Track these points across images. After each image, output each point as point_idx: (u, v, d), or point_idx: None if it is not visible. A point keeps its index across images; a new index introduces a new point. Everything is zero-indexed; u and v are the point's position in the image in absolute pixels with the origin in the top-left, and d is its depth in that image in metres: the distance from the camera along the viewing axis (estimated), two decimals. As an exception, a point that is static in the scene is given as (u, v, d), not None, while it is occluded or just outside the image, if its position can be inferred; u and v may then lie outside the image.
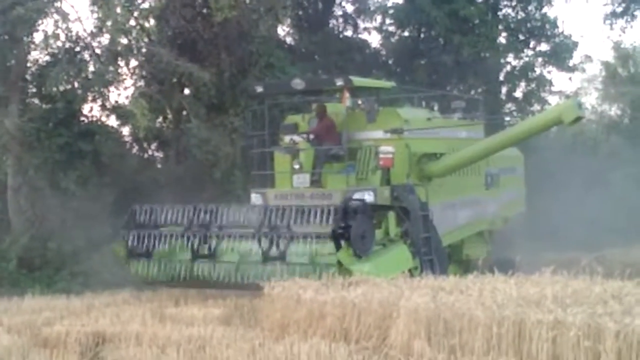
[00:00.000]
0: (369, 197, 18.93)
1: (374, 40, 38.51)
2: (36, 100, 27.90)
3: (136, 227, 19.37)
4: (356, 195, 18.47)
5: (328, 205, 17.82)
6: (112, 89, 28.14)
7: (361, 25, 38.72)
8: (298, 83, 20.39)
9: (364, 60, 36.58)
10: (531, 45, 38.47)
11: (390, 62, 38.64)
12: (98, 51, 27.11)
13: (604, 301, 12.31)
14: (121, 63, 28.11)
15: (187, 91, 29.43)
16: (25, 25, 25.23)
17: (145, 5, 28.10)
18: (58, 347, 14.75)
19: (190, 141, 28.13)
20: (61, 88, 26.55)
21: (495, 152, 21.51)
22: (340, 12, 37.98)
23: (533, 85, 38.33)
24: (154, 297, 19.20)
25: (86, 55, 27.10)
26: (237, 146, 27.66)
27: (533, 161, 29.23)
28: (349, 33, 38.27)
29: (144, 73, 28.88)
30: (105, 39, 27.10)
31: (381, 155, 19.43)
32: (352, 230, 17.26)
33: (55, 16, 25.96)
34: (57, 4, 26.02)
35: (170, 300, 18.56)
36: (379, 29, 39.32)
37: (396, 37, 39.16)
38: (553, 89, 40.06)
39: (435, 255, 19.60)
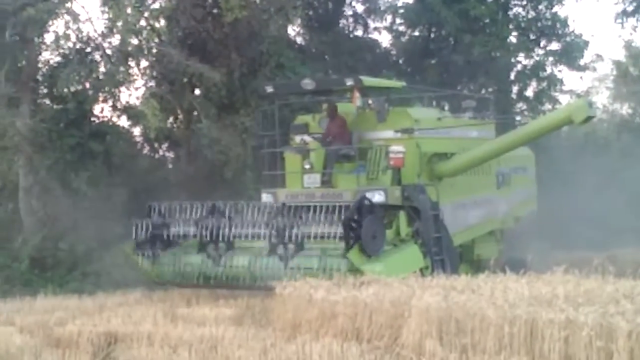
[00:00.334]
0: (379, 197, 18.92)
1: (385, 40, 38.63)
2: (47, 101, 28.01)
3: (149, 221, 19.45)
4: (367, 195, 18.45)
5: (339, 205, 17.81)
6: (123, 89, 28.31)
7: (371, 25, 38.69)
8: (308, 83, 20.39)
9: (375, 60, 36.52)
10: (542, 44, 38.35)
11: (400, 61, 38.61)
12: (109, 52, 27.21)
13: (616, 300, 12.28)
14: (132, 63, 28.24)
15: (197, 91, 29.50)
16: (36, 26, 25.34)
17: (156, 5, 28.23)
18: (70, 347, 14.77)
19: (201, 141, 28.19)
20: (72, 89, 26.68)
21: (506, 151, 21.47)
22: (350, 12, 37.95)
23: (544, 85, 38.21)
24: (166, 297, 19.22)
25: (97, 56, 27.20)
26: (247, 146, 27.70)
27: (544, 160, 29.17)
28: (359, 33, 38.24)
29: (154, 73, 28.97)
30: (116, 39, 27.24)
31: (392, 155, 19.40)
32: (363, 230, 17.26)
33: (66, 17, 26.09)
34: (68, 5, 26.14)
35: (182, 300, 18.59)
36: (389, 29, 39.29)
37: (406, 37, 39.12)
38: (564, 88, 40.01)
39: (447, 255, 19.56)
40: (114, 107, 28.59)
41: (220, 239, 18.74)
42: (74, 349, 14.65)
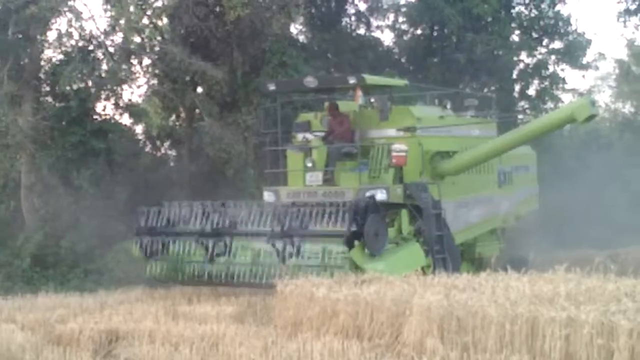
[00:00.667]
0: (381, 195, 18.91)
1: (387, 38, 38.63)
2: (50, 99, 28.01)
3: (149, 230, 19.45)
4: (369, 194, 18.43)
5: (341, 204, 17.81)
6: (125, 87, 28.37)
7: (374, 23, 38.71)
8: (310, 81, 20.37)
9: (377, 58, 36.56)
10: (544, 43, 38.39)
11: (403, 60, 38.63)
12: (111, 50, 27.25)
13: (617, 299, 12.28)
14: (134, 61, 28.30)
15: (200, 89, 29.50)
16: (39, 24, 25.35)
17: (158, 3, 28.26)
18: (71, 345, 14.76)
19: (203, 139, 28.18)
20: (74, 86, 26.71)
21: (508, 150, 21.46)
22: (353, 10, 37.96)
23: (546, 83, 38.23)
24: (167, 295, 19.23)
25: (99, 54, 27.24)
26: (249, 144, 27.72)
27: (547, 159, 29.18)
28: (361, 31, 38.25)
29: (157, 71, 28.99)
30: (118, 37, 27.29)
31: (394, 154, 19.37)
32: (365, 229, 17.26)
33: (69, 15, 26.11)
34: (71, 3, 26.25)
35: (183, 298, 18.59)
36: (392, 27, 39.30)
37: (409, 35, 39.12)
38: (566, 86, 39.99)
39: (448, 254, 19.54)
40: (116, 105, 28.62)
41: (222, 237, 18.74)
42: (75, 347, 14.64)
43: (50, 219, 25.76)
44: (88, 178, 26.17)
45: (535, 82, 38.46)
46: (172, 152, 32.38)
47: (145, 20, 27.64)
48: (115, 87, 27.70)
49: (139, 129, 31.48)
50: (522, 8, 38.54)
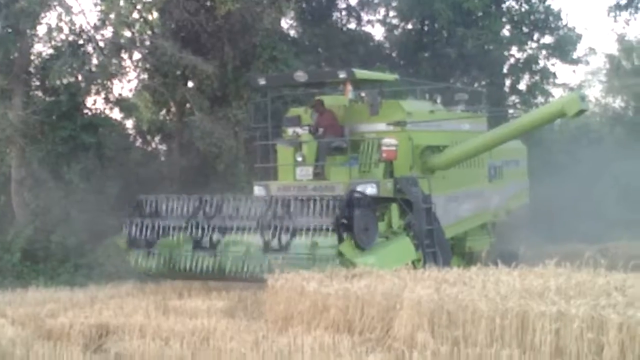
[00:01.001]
0: (372, 189, 18.93)
1: (378, 33, 38.63)
2: (40, 93, 27.93)
3: (140, 217, 19.40)
4: (359, 188, 18.43)
5: (331, 198, 17.82)
6: (115, 81, 28.29)
7: (365, 17, 38.66)
8: (300, 76, 20.36)
9: (368, 52, 36.55)
10: (535, 37, 38.38)
11: (393, 54, 38.61)
12: (101, 44, 27.19)
13: (607, 293, 12.33)
14: (124, 56, 28.23)
15: (190, 84, 29.45)
16: (29, 18, 25.28)
17: (149, -3, 28.17)
18: (62, 339, 14.76)
19: (194, 134, 28.14)
20: (65, 81, 26.63)
21: (499, 144, 21.48)
22: (343, 5, 37.89)
23: (537, 78, 38.25)
24: (158, 289, 19.20)
25: (89, 48, 27.17)
26: (240, 139, 27.70)
27: (537, 153, 29.21)
28: (352, 26, 38.21)
29: (147, 66, 28.94)
30: (108, 31, 27.24)
31: (384, 148, 19.38)
32: (355, 223, 17.27)
33: (59, 9, 26.06)
34: (61, -3, 26.08)
35: (173, 293, 18.56)
36: (383, 22, 39.29)
37: (400, 30, 39.12)
38: (557, 81, 40.01)
39: (438, 248, 19.58)
40: (107, 100, 28.54)
41: (212, 232, 18.71)
42: (65, 341, 14.64)
43: (41, 213, 25.73)
44: (78, 172, 26.13)
45: (526, 76, 38.49)
46: (163, 147, 32.35)
47: (135, 15, 27.54)
48: (105, 82, 27.63)
49: (129, 123, 31.45)
50: (513, 3, 38.49)
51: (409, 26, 38.83)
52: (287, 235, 17.61)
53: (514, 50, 38.29)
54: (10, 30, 25.72)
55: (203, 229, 18.72)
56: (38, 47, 27.38)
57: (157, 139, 32.00)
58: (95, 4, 27.09)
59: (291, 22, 35.74)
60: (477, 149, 21.25)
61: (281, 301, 14.55)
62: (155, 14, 28.45)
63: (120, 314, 15.93)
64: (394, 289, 13.57)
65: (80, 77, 27.18)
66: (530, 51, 38.28)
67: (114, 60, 27.44)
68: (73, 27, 26.61)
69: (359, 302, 13.58)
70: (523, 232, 24.87)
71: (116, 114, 29.92)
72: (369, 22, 38.92)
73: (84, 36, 26.97)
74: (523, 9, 38.11)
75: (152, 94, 29.83)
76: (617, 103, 46.42)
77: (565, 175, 32.57)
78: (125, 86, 29.49)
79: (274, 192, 19.89)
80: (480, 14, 36.33)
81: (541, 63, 38.38)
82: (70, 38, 26.77)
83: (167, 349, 13.65)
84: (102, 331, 15.07)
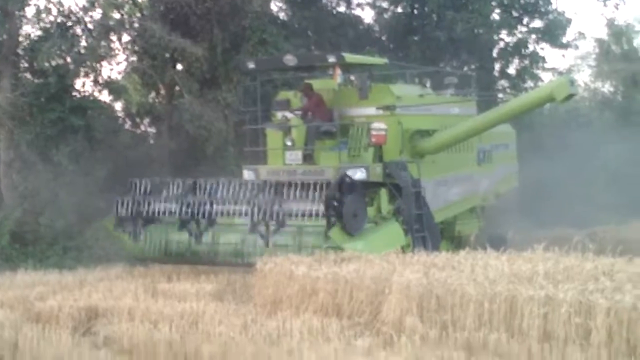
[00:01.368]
0: (361, 174, 18.94)
1: (367, 16, 38.59)
2: (28, 75, 27.77)
3: (131, 198, 19.38)
4: (348, 172, 18.43)
5: (320, 182, 17.82)
6: (104, 63, 28.15)
7: (354, 1, 38.53)
8: (290, 59, 20.31)
9: (357, 36, 36.47)
10: (525, 21, 38.37)
11: (383, 38, 38.55)
12: (90, 26, 27.04)
13: (595, 278, 12.41)
14: (113, 38, 28.07)
15: (179, 66, 29.35)
16: (17, -1, 25.14)
17: (138, -21, 28.06)
18: (50, 322, 14.76)
19: (183, 116, 28.05)
20: (53, 63, 26.48)
21: (488, 128, 21.49)
22: (333, -12, 37.79)
23: (526, 62, 38.25)
24: (147, 272, 19.19)
25: (78, 30, 27.04)
26: (229, 122, 27.65)
27: (526, 137, 29.26)
28: (342, 9, 38.07)
29: (136, 48, 28.81)
30: (97, 13, 27.07)
31: (373, 132, 19.39)
32: (344, 208, 17.28)
33: (48, -10, 25.89)
34: (50, -22, 25.96)
35: (162, 276, 18.56)
36: (373, 5, 39.18)
37: (389, 13, 39.03)
38: (546, 65, 39.97)
39: (428, 232, 19.61)
40: (95, 82, 28.37)
41: (202, 216, 18.72)
42: (54, 324, 14.64)
43: (29, 195, 25.62)
44: (67, 155, 26.01)
45: (516, 61, 38.48)
46: (152, 129, 32.23)
47: (124, -4, 27.48)
48: (94, 64, 27.48)
49: (118, 105, 31.30)
50: (503, -14, 38.54)
51: (399, 9, 38.76)
52: (278, 219, 17.64)
53: (503, 34, 38.26)
54: (-2, 11, 25.60)
55: (195, 212, 18.73)
56: (26, 29, 27.23)
57: (146, 121, 31.88)
58: (84, -14, 26.97)
59: (281, 4, 35.64)
60: (466, 133, 21.25)
61: (270, 285, 14.59)
62: (145, -4, 28.41)
63: (109, 297, 15.93)
64: (382, 273, 13.62)
65: (69, 59, 27.02)
66: (519, 35, 38.27)
67: (103, 43, 27.31)
68: (62, 9, 26.49)
69: (347, 286, 13.63)
70: (512, 216, 24.90)
71: (105, 97, 29.78)
72: (358, 5, 38.81)
73: (73, 18, 26.82)
74: (513, -7, 38.09)
75: (141, 77, 29.73)
76: (607, 88, 46.44)
77: (555, 159, 32.61)
78: (114, 68, 29.39)
79: (264, 176, 19.90)
80: (470, -3, 36.29)
81: (531, 47, 38.39)
82: (59, 20, 26.62)
83: (155, 332, 13.67)
84: (91, 314, 15.09)
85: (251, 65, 21.17)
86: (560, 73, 41.60)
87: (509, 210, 25.06)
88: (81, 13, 26.74)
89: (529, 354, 11.47)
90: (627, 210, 29.05)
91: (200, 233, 18.81)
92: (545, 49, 38.85)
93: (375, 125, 19.38)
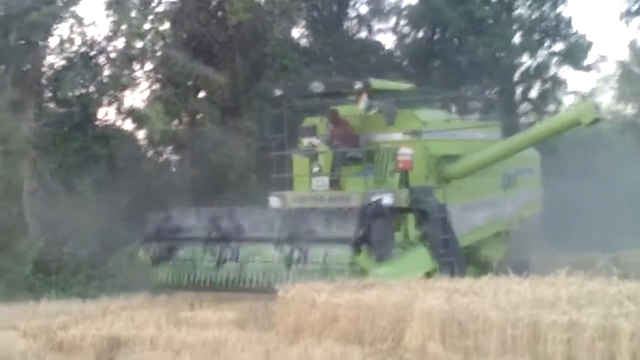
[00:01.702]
0: (387, 199, 18.91)
1: (389, 41, 38.72)
2: (52, 105, 27.96)
3: (159, 236, 19.50)
4: (375, 198, 18.41)
5: (348, 209, 17.86)
6: (127, 92, 28.37)
7: (375, 26, 38.74)
8: (317, 86, 20.38)
9: (379, 61, 36.54)
10: (546, 44, 38.41)
11: (404, 63, 38.60)
12: (113, 55, 27.23)
13: (619, 302, 12.27)
14: (136, 67, 28.29)
15: (202, 94, 29.51)
16: (41, 29, 25.34)
17: (160, 8, 28.31)
18: (73, 351, 14.79)
19: (205, 144, 28.17)
20: (76, 92, 26.70)
21: (514, 153, 21.51)
22: (354, 14, 37.98)
23: (548, 85, 38.28)
24: (169, 301, 19.20)
25: (101, 59, 27.23)
26: (251, 149, 27.71)
27: (550, 161, 29.13)
28: (363, 35, 38.27)
29: (159, 76, 29.00)
30: (120, 42, 27.27)
31: (400, 158, 19.40)
32: (373, 234, 17.26)
33: (71, 20, 26.13)
34: (73, 9, 26.19)
35: (185, 304, 18.55)
36: (394, 30, 39.32)
37: (410, 38, 39.13)
38: (568, 89, 40.07)
39: (454, 257, 19.57)
40: (118, 111, 28.56)
41: (229, 243, 18.77)
42: (76, 353, 14.68)
43: (53, 224, 25.72)
44: (90, 184, 26.15)
45: (537, 84, 38.52)
46: (174, 158, 32.35)
47: (147, 25, 27.67)
48: (117, 93, 27.68)
49: (141, 134, 31.48)
50: (524, 10, 38.61)
51: (420, 34, 38.87)
52: (305, 247, 17.65)
53: (525, 57, 38.35)
54: (22, 42, 25.77)
55: (223, 241, 18.78)
56: (50, 59, 27.42)
57: (168, 149, 32.02)
58: (107, 15, 27.14)
59: (302, 31, 35.85)
60: (492, 158, 21.26)
61: (292, 312, 14.52)
62: (167, 25, 28.61)
63: (132, 326, 15.93)
64: (404, 299, 13.54)
65: (92, 89, 27.22)
66: (541, 58, 38.33)
67: (126, 71, 27.50)
68: (85, 39, 26.69)
69: (369, 313, 13.55)
70: (535, 240, 24.78)
71: (128, 125, 30.00)
72: (380, 30, 39.03)
73: (96, 47, 27.02)
74: (534, 17, 38.19)
75: (164, 105, 29.88)
76: (628, 110, 46.30)
77: (578, 183, 32.46)
78: (136, 97, 29.61)
79: (290, 202, 19.93)
80: (491, 21, 36.39)
81: (552, 70, 38.47)
82: (82, 49, 26.82)
83: (178, 361, 13.67)
84: (113, 343, 15.07)
85: (278, 92, 21.22)
86: (583, 96, 41.59)
87: (534, 234, 24.94)
88: (104, 43, 26.95)
89: (553, 380, 11.39)
90: (651, 234, 28.82)
91: (225, 260, 18.83)
92: (566, 72, 38.97)
93: (402, 150, 19.38)
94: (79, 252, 24.99)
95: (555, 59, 38.45)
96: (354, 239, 17.06)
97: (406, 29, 39.18)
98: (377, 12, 38.51)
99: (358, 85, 19.75)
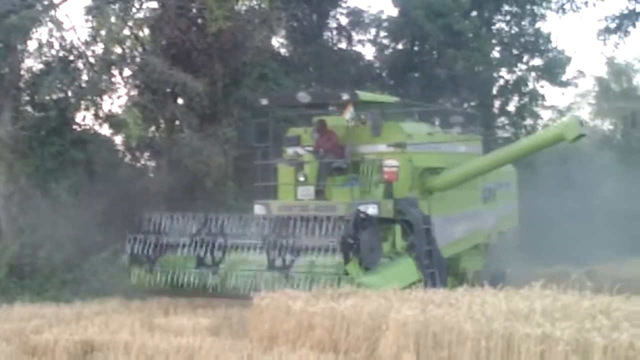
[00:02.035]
0: (372, 210, 19.04)
1: (368, 52, 38.83)
2: (29, 108, 27.79)
3: (142, 234, 19.63)
4: (361, 208, 18.50)
5: (337, 218, 18.03)
6: (105, 97, 28.12)
7: (355, 37, 38.71)
8: (304, 96, 20.53)
9: (358, 72, 36.62)
10: (524, 59, 38.58)
11: (384, 74, 38.67)
12: (92, 60, 27.10)
13: (592, 316, 12.35)
14: (115, 72, 28.11)
15: (180, 101, 29.39)
16: (20, 33, 25.20)
17: (140, 15, 28.21)
18: (46, 355, 14.76)
19: (183, 151, 28.08)
20: (54, 96, 26.54)
21: (498, 167, 21.83)
22: (334, 25, 37.94)
23: (526, 100, 38.40)
24: (143, 306, 19.18)
25: (80, 64, 27.09)
26: (229, 157, 27.67)
27: (526, 174, 29.27)
28: (343, 45, 38.25)
29: (137, 82, 28.86)
30: (99, 48, 27.12)
31: (386, 169, 19.67)
32: (362, 242, 17.42)
33: (50, 25, 25.97)
34: (52, 13, 26.05)
35: (159, 310, 18.56)
36: (373, 42, 39.36)
37: (390, 50, 39.19)
38: (546, 103, 40.21)
39: (437, 269, 19.69)
40: (96, 116, 28.40)
41: (215, 249, 18.82)
42: (50, 357, 14.66)
43: (28, 228, 25.57)
44: (67, 188, 25.99)
45: (515, 98, 38.62)
46: (152, 164, 32.21)
47: (126, 31, 27.55)
48: (95, 98, 27.50)
49: (118, 139, 31.31)
50: (503, 25, 38.78)
51: (400, 46, 38.93)
52: (291, 255, 17.72)
53: (503, 71, 38.47)
54: (0, 45, 25.66)
55: (207, 246, 18.81)
56: (28, 63, 27.27)
57: (145, 155, 31.86)
58: (87, 20, 27.03)
59: (282, 40, 35.81)
60: (476, 171, 21.54)
61: (266, 320, 14.54)
62: (147, 31, 28.50)
63: (106, 331, 15.91)
64: (379, 309, 13.58)
65: (70, 93, 27.05)
66: (519, 73, 38.48)
67: (104, 77, 27.34)
68: (64, 43, 26.55)
69: (344, 322, 13.59)
70: (512, 253, 24.91)
71: (105, 130, 29.85)
72: (359, 41, 39.03)
73: (75, 52, 26.89)
74: (513, 31, 38.40)
75: (142, 111, 29.62)
76: (606, 126, 46.59)
77: (554, 197, 32.63)
78: (114, 102, 29.38)
79: (275, 210, 20.02)
80: (470, 35, 36.49)
81: (530, 85, 38.61)
82: (61, 54, 26.69)
83: (151, 367, 13.63)
84: (87, 348, 15.06)
85: (264, 102, 21.39)
86: (560, 111, 41.82)
87: (509, 247, 25.07)
88: (83, 47, 26.81)
89: (526, 392, 11.43)
90: (626, 248, 29.01)
91: (213, 266, 18.88)
92: (545, 87, 39.12)
93: (388, 162, 19.65)
94: (53, 256, 24.85)
95: (533, 74, 38.62)
96: (343, 247, 17.16)
97: (386, 41, 39.25)
98: (357, 23, 38.55)
99: (345, 96, 19.91)
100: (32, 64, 27.27)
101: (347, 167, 20.20)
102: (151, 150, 31.30)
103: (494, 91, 38.45)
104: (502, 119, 38.80)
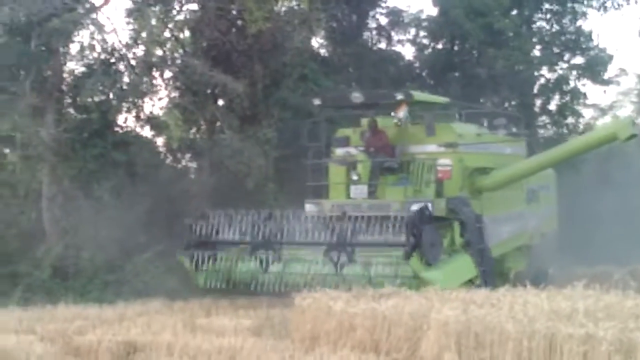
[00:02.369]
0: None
1: (408, 52, 38.65)
2: (71, 111, 28.07)
3: (198, 244, 19.99)
4: (414, 207, 18.60)
5: (397, 216, 18.17)
6: (146, 99, 28.38)
7: (395, 37, 38.69)
8: (357, 97, 20.68)
9: (398, 72, 36.56)
10: (565, 58, 38.27)
11: (423, 74, 38.58)
12: (133, 62, 27.30)
13: (636, 316, 12.26)
14: (156, 74, 28.32)
15: (220, 102, 29.53)
16: (62, 36, 25.45)
17: (180, 17, 28.36)
18: (89, 356, 14.86)
19: (223, 152, 28.18)
20: (96, 99, 26.81)
21: (548, 167, 21.86)
22: (374, 25, 37.94)
23: (567, 98, 38.08)
24: (186, 307, 19.29)
25: (121, 67, 27.30)
26: (269, 158, 27.75)
27: (569, 175, 29.11)
28: (382, 45, 38.26)
29: (178, 84, 29.03)
30: (140, 50, 27.35)
31: (439, 168, 19.83)
32: (423, 238, 17.54)
33: (91, 28, 26.21)
34: (93, 16, 26.28)
35: (201, 310, 18.64)
36: (413, 42, 39.28)
37: (430, 50, 39.09)
38: (587, 102, 39.88)
39: (488, 267, 19.75)
40: (137, 118, 28.66)
41: (272, 246, 19.09)
42: (93, 358, 14.74)
43: (71, 230, 25.80)
44: (109, 190, 26.19)
45: (556, 97, 38.33)
46: (193, 165, 32.40)
47: (167, 34, 27.77)
48: (136, 100, 27.76)
49: (159, 141, 31.53)
50: (544, 23, 38.53)
51: (439, 46, 38.81)
52: (351, 250, 17.89)
53: (544, 70, 38.18)
54: (43, 48, 25.88)
55: (266, 245, 18.93)
56: (70, 65, 27.58)
57: (187, 156, 32.06)
58: (128, 23, 27.30)
59: (321, 41, 35.84)
60: (526, 172, 21.70)
61: (308, 320, 14.57)
62: (187, 33, 28.68)
63: (148, 332, 16.00)
64: (421, 309, 13.57)
65: (111, 95, 27.32)
66: (560, 71, 38.16)
67: (145, 79, 27.56)
68: (105, 46, 26.77)
69: (385, 323, 13.58)
70: (554, 254, 24.83)
71: (147, 132, 30.09)
72: (399, 41, 38.99)
73: (116, 54, 27.11)
74: (554, 30, 38.11)
75: (183, 112, 29.86)
76: (648, 124, 46.11)
77: (596, 196, 32.41)
78: (156, 104, 29.59)
79: (328, 209, 20.13)
80: (510, 34, 36.31)
81: (572, 83, 38.25)
82: (102, 56, 26.92)
83: (194, 367, 13.71)
84: (129, 349, 15.15)
85: (317, 102, 21.58)
86: (602, 109, 41.42)
87: (551, 248, 25.00)
88: (124, 50, 27.02)
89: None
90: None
91: (268, 263, 18.99)
92: (586, 85, 38.72)
93: (441, 161, 19.79)
94: (96, 258, 25.05)
95: (574, 72, 38.29)
96: (407, 244, 17.39)
97: (425, 40, 39.17)
98: (397, 23, 38.50)
99: (400, 96, 20.05)
100: (74, 66, 27.62)
101: (398, 166, 20.32)
102: (192, 151, 31.47)
103: (535, 90, 38.18)
104: (544, 118, 38.54)
